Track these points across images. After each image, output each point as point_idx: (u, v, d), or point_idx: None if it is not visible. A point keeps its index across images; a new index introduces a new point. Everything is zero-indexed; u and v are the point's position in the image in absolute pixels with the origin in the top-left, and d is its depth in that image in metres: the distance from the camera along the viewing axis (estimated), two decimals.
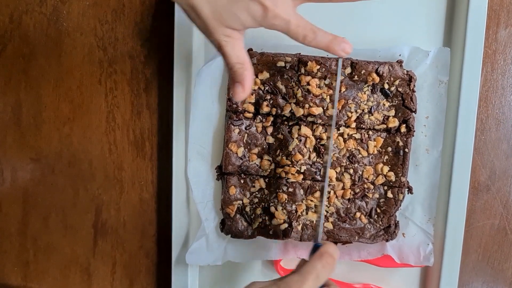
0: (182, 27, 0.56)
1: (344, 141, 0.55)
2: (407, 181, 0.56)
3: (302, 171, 0.56)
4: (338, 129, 0.55)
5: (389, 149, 0.56)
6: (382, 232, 0.57)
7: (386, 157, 0.56)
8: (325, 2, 0.46)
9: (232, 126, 0.56)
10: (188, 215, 0.59)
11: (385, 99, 0.55)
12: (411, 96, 0.55)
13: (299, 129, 0.55)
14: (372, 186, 0.56)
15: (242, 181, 0.57)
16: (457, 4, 0.55)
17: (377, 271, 0.59)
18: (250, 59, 0.54)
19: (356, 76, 0.54)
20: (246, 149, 0.56)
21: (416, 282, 0.60)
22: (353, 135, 0.55)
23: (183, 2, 0.43)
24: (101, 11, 0.60)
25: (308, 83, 0.55)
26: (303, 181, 0.56)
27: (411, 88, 0.55)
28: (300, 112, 0.55)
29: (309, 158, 0.56)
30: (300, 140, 0.56)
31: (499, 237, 0.61)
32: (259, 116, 0.56)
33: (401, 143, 0.55)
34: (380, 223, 0.56)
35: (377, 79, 0.54)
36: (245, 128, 0.56)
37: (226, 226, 0.57)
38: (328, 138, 0.55)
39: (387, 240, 0.57)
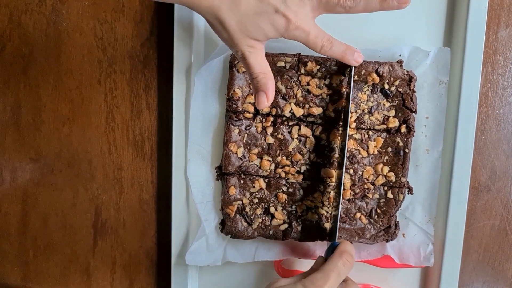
0: (182, 27, 0.56)
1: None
2: (407, 182, 0.56)
3: (302, 171, 0.56)
4: (338, 130, 0.55)
5: (389, 149, 0.55)
6: (382, 233, 0.57)
7: (386, 157, 0.56)
8: (341, 13, 0.48)
9: (232, 126, 0.55)
10: (187, 215, 0.59)
11: (385, 99, 0.55)
12: (411, 96, 0.54)
13: (299, 129, 0.55)
14: (372, 187, 0.56)
15: (242, 182, 0.57)
16: (458, 4, 0.55)
17: (377, 272, 0.59)
18: None
19: (356, 76, 0.54)
20: (246, 149, 0.56)
21: (416, 283, 0.60)
22: (353, 135, 0.55)
23: (211, 16, 0.46)
24: (101, 11, 0.60)
25: (308, 83, 0.54)
26: (303, 182, 0.56)
27: (411, 88, 0.54)
28: (300, 112, 0.55)
29: (309, 158, 0.56)
30: (300, 140, 0.56)
31: (499, 238, 0.61)
32: (259, 116, 0.56)
33: (401, 143, 0.55)
34: (380, 223, 0.56)
35: (377, 79, 0.54)
36: (245, 128, 0.56)
37: (226, 227, 0.57)
38: (336, 138, 0.55)
39: (387, 241, 0.57)
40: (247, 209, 0.57)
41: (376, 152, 0.55)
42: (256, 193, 0.57)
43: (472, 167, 0.56)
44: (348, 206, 0.56)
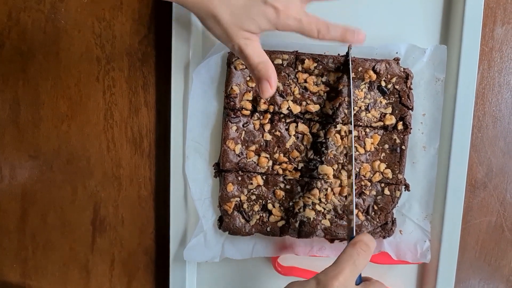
0: (180, 25, 0.56)
1: (341, 138, 0.55)
2: (404, 178, 0.57)
3: (299, 168, 0.56)
4: (335, 126, 0.55)
5: (386, 146, 0.56)
6: (379, 229, 0.57)
7: (383, 154, 0.56)
8: (329, 0, 0.48)
9: (230, 124, 0.56)
10: (186, 212, 0.59)
11: (382, 97, 0.55)
12: (408, 94, 0.55)
13: (296, 127, 0.56)
14: (369, 183, 0.56)
15: (239, 178, 0.57)
16: (454, 2, 0.55)
17: (374, 268, 0.59)
18: None
19: (353, 74, 0.54)
20: (244, 146, 0.56)
21: (413, 279, 0.60)
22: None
23: (203, 12, 0.46)
24: (99, 8, 0.60)
25: (305, 81, 0.55)
26: (300, 178, 0.56)
27: (408, 86, 0.55)
28: (297, 109, 0.55)
29: (306, 155, 0.56)
30: (297, 138, 0.56)
31: (496, 234, 0.61)
32: (257, 114, 0.56)
33: (398, 141, 0.55)
34: (377, 220, 0.57)
35: (374, 76, 0.54)
36: (243, 126, 0.56)
37: (224, 223, 0.57)
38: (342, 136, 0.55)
39: (384, 237, 0.57)
40: (245, 205, 0.57)
41: (373, 149, 0.56)
42: (254, 190, 0.57)
43: (469, 164, 0.56)
44: (345, 203, 0.56)
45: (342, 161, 0.56)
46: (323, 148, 0.56)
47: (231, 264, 0.61)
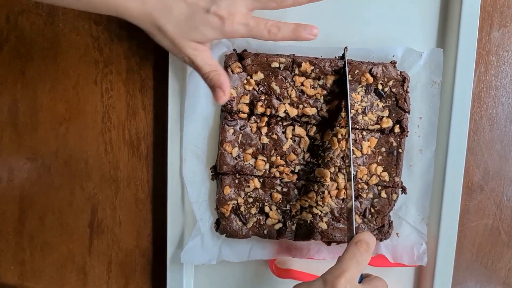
0: None
1: (338, 141, 0.55)
2: (401, 181, 0.57)
3: (296, 171, 0.56)
4: (332, 129, 0.56)
5: (383, 149, 0.56)
6: (376, 232, 0.57)
7: (380, 157, 0.56)
8: (273, 8, 0.48)
9: (227, 127, 0.56)
10: (183, 214, 0.59)
11: (378, 100, 0.55)
12: (405, 97, 0.55)
13: (293, 130, 0.56)
14: (366, 186, 0.56)
15: (236, 181, 0.57)
16: (450, 5, 0.55)
17: (371, 271, 0.59)
18: (245, 59, 0.54)
19: (350, 77, 0.54)
20: (241, 149, 0.57)
21: (410, 282, 0.61)
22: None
23: (147, 24, 0.46)
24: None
25: (302, 84, 0.55)
26: (297, 181, 0.57)
27: (405, 89, 0.55)
28: (294, 112, 0.55)
29: (303, 158, 0.56)
30: (294, 141, 0.56)
31: (492, 237, 0.61)
32: (254, 117, 0.56)
33: (394, 144, 0.56)
34: (374, 223, 0.57)
35: (370, 79, 0.54)
36: (240, 129, 0.56)
37: (221, 226, 0.58)
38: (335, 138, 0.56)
39: (381, 240, 0.57)
40: (242, 208, 0.57)
41: (369, 152, 0.56)
42: (251, 192, 0.57)
43: (465, 167, 0.56)
44: (342, 206, 0.57)
45: (339, 164, 0.56)
46: (320, 151, 0.56)
47: (228, 267, 0.61)
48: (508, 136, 0.59)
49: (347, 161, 0.55)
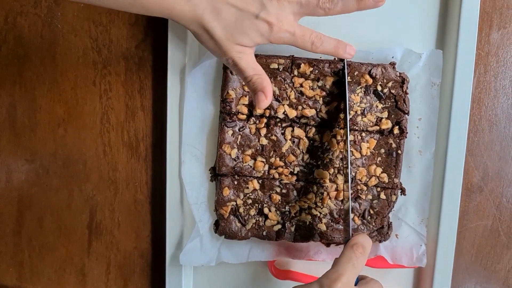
0: (176, 29, 0.56)
1: (337, 142, 0.55)
2: (400, 183, 0.57)
3: (295, 172, 0.56)
4: (331, 131, 0.56)
5: (382, 150, 0.56)
6: (375, 233, 0.57)
7: (379, 158, 0.56)
8: (320, 15, 0.48)
9: (226, 128, 0.56)
10: (182, 216, 0.59)
11: (378, 101, 0.55)
12: (404, 98, 0.55)
13: (292, 131, 0.56)
14: (365, 188, 0.56)
15: (235, 183, 0.57)
16: (450, 7, 0.55)
17: (370, 272, 0.59)
18: None
19: (349, 78, 0.54)
20: (240, 151, 0.56)
21: (409, 283, 0.60)
22: None
23: (196, 26, 0.46)
24: (95, 13, 0.60)
25: (301, 85, 0.55)
26: (296, 183, 0.57)
27: (404, 90, 0.55)
28: (293, 113, 0.55)
29: (302, 159, 0.56)
30: (293, 142, 0.56)
31: (492, 238, 0.61)
32: (253, 118, 0.56)
33: (394, 145, 0.56)
34: (373, 224, 0.57)
35: (370, 81, 0.54)
36: (239, 130, 0.56)
37: (220, 227, 0.57)
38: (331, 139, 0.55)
39: (380, 241, 0.57)
40: (241, 210, 0.57)
41: (369, 154, 0.56)
42: (250, 194, 0.57)
43: (465, 168, 0.56)
44: (341, 207, 0.56)
45: (338, 165, 0.56)
46: (319, 153, 0.56)
47: (228, 268, 0.61)
48: (507, 137, 0.59)
49: (345, 162, 0.55)
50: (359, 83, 0.55)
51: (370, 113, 0.55)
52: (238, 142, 0.56)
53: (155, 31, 0.60)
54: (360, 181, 0.56)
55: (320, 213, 0.56)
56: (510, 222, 0.60)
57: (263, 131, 0.56)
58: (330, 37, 0.49)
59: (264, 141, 0.56)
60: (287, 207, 0.57)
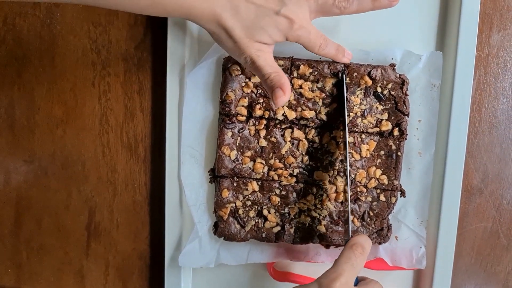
0: (176, 30, 0.56)
1: (337, 144, 0.55)
2: (400, 184, 0.57)
3: (295, 174, 0.56)
4: (331, 133, 0.55)
5: (382, 152, 0.56)
6: (375, 235, 0.57)
7: (379, 160, 0.56)
8: (336, 14, 0.49)
9: (225, 129, 0.56)
10: (181, 217, 0.59)
11: (378, 103, 0.55)
12: (404, 100, 0.55)
13: (292, 132, 0.56)
14: (364, 189, 0.56)
15: (235, 184, 0.57)
16: (450, 8, 0.55)
17: (370, 274, 0.59)
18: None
19: (348, 79, 0.54)
20: (239, 152, 0.56)
21: (408, 285, 0.60)
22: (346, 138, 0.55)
23: (214, 25, 0.46)
24: (95, 14, 0.60)
25: (300, 87, 0.55)
26: (295, 184, 0.56)
27: (404, 92, 0.55)
28: (292, 115, 0.55)
29: (302, 161, 0.56)
30: (293, 143, 0.56)
31: (491, 240, 0.61)
32: (252, 119, 0.56)
33: (394, 147, 0.55)
34: (373, 226, 0.57)
35: (369, 82, 0.54)
36: (238, 131, 0.56)
37: (219, 229, 0.57)
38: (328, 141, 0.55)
39: (379, 243, 0.57)
40: (240, 211, 0.57)
41: (368, 155, 0.56)
42: (249, 195, 0.57)
43: (465, 170, 0.56)
44: (341, 209, 0.56)
45: (337, 167, 0.55)
46: (319, 154, 0.56)
47: (226, 270, 0.61)
48: (507, 139, 0.59)
49: (344, 164, 0.55)
50: (358, 85, 0.54)
51: (370, 115, 0.55)
52: (237, 143, 0.56)
53: (154, 32, 0.59)
54: (360, 183, 0.56)
55: (320, 215, 0.56)
56: (510, 224, 0.60)
57: (263, 133, 0.56)
58: (333, 41, 0.50)
59: (264, 143, 0.56)
60: (286, 209, 0.57)
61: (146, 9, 0.45)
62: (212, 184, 0.58)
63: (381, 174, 0.56)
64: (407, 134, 0.55)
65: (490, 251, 0.61)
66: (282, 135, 0.56)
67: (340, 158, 0.55)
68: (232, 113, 0.55)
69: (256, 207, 0.57)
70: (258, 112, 0.55)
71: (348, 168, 0.53)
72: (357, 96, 0.55)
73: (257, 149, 0.56)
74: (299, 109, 0.55)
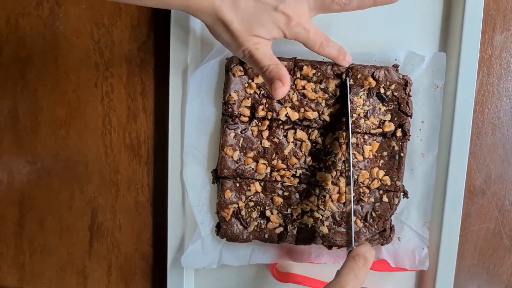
0: (179, 31, 0.56)
1: (340, 145, 0.55)
2: (403, 185, 0.57)
3: (297, 175, 0.56)
4: (334, 133, 0.55)
5: (385, 153, 0.56)
6: (378, 236, 0.57)
7: (382, 161, 0.56)
8: (336, 11, 0.49)
9: (228, 130, 0.56)
10: (183, 218, 0.59)
11: (381, 104, 0.55)
12: (407, 101, 0.55)
13: (295, 133, 0.56)
14: (367, 190, 0.56)
15: (237, 185, 0.57)
16: (453, 9, 0.55)
17: (372, 275, 0.58)
18: (245, 63, 0.54)
19: (352, 80, 0.54)
20: (242, 153, 0.56)
21: (411, 286, 0.60)
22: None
23: (212, 18, 0.46)
24: (98, 15, 0.60)
25: (303, 87, 0.55)
26: (298, 185, 0.56)
27: (407, 93, 0.55)
28: (295, 116, 0.55)
29: (305, 162, 0.56)
30: (296, 144, 0.56)
31: (494, 241, 0.61)
32: (255, 120, 0.56)
33: (396, 148, 0.55)
34: (376, 227, 0.57)
35: (373, 83, 0.54)
36: (241, 132, 0.56)
37: (222, 230, 0.57)
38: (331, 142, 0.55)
39: (382, 244, 0.57)
40: (243, 212, 0.57)
41: (371, 156, 0.56)
42: (252, 196, 0.57)
43: (467, 171, 0.56)
44: (344, 210, 0.56)
45: (340, 168, 0.55)
46: (322, 155, 0.56)
47: (229, 270, 0.61)
48: (510, 140, 0.59)
49: (347, 165, 0.55)
50: (362, 86, 0.54)
51: (373, 116, 0.55)
52: (240, 144, 0.56)
53: (157, 33, 0.59)
54: (363, 183, 0.56)
55: (322, 215, 0.56)
56: None
57: (265, 134, 0.56)
58: (335, 42, 0.50)
59: (266, 144, 0.56)
60: (289, 210, 0.57)
61: (146, 0, 0.46)
62: (215, 185, 0.58)
63: (384, 175, 0.56)
64: (410, 135, 0.55)
65: (492, 252, 0.61)
66: (285, 136, 0.56)
67: (342, 159, 0.55)
68: (235, 114, 0.55)
69: (258, 208, 0.57)
70: (261, 113, 0.55)
71: (351, 169, 0.53)
72: (360, 97, 0.55)
73: (260, 150, 0.56)
74: (302, 110, 0.55)
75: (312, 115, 0.55)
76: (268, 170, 0.56)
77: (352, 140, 0.55)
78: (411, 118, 0.55)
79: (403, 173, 0.56)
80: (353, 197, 0.56)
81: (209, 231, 0.59)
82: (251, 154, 0.56)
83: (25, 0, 0.60)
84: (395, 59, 0.55)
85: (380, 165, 0.56)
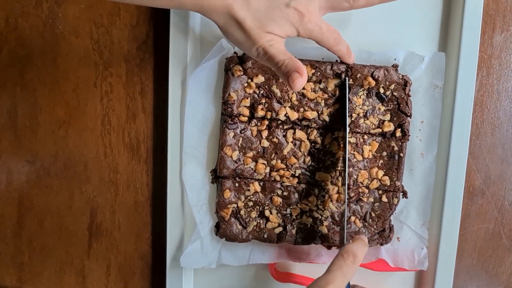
0: (178, 31, 0.56)
1: (339, 145, 0.55)
2: (402, 185, 0.56)
3: (296, 175, 0.56)
4: (333, 133, 0.55)
5: (384, 153, 0.56)
6: (377, 236, 0.57)
7: (381, 161, 0.56)
8: (346, 9, 0.49)
9: (227, 130, 0.56)
10: (183, 218, 0.59)
11: (380, 104, 0.55)
12: (406, 101, 0.55)
13: (294, 133, 0.56)
14: (366, 190, 0.56)
15: (237, 185, 0.57)
16: (453, 9, 0.55)
17: (371, 275, 0.59)
18: (245, 62, 0.54)
19: (351, 80, 0.54)
20: (241, 153, 0.56)
21: (410, 286, 0.60)
22: (348, 139, 0.55)
23: (225, 17, 0.46)
24: (97, 14, 0.60)
25: (303, 87, 0.55)
26: (297, 185, 0.56)
27: (406, 93, 0.55)
28: (295, 116, 0.55)
29: (304, 162, 0.56)
30: (295, 144, 0.56)
31: (493, 242, 0.61)
32: (254, 120, 0.56)
33: (396, 148, 0.55)
34: (375, 227, 0.57)
35: (372, 83, 0.54)
36: (240, 132, 0.56)
37: (221, 230, 0.57)
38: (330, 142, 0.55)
39: (381, 244, 0.57)
40: (242, 212, 0.57)
41: (371, 156, 0.56)
42: (251, 196, 0.57)
43: (467, 171, 0.56)
44: (341, 210, 0.56)
45: (339, 168, 0.55)
46: (321, 155, 0.56)
47: (228, 271, 0.61)
48: (510, 140, 0.59)
49: (344, 165, 0.55)
50: (361, 85, 0.54)
51: (373, 116, 0.55)
52: (239, 144, 0.56)
53: (156, 33, 0.59)
54: (362, 183, 0.56)
55: (322, 215, 0.56)
56: None
57: (265, 133, 0.56)
58: (343, 39, 0.50)
59: (266, 143, 0.56)
60: (288, 210, 0.57)
61: (161, 2, 0.46)
62: (214, 185, 0.58)
63: (383, 175, 0.56)
64: (409, 135, 0.55)
65: (492, 253, 0.61)
66: (284, 136, 0.56)
67: (342, 159, 0.55)
68: (234, 113, 0.55)
69: (258, 207, 0.57)
70: (260, 113, 0.55)
71: (346, 169, 0.53)
72: (360, 97, 0.55)
73: (259, 150, 0.56)
74: (301, 109, 0.55)
75: (312, 115, 0.55)
76: (267, 170, 0.56)
77: (352, 140, 0.55)
78: (410, 118, 0.55)
79: (402, 173, 0.56)
80: (352, 197, 0.56)
81: (208, 231, 0.59)
82: (251, 154, 0.56)
83: (24, 0, 0.60)
84: (395, 59, 0.55)
85: (380, 165, 0.56)
